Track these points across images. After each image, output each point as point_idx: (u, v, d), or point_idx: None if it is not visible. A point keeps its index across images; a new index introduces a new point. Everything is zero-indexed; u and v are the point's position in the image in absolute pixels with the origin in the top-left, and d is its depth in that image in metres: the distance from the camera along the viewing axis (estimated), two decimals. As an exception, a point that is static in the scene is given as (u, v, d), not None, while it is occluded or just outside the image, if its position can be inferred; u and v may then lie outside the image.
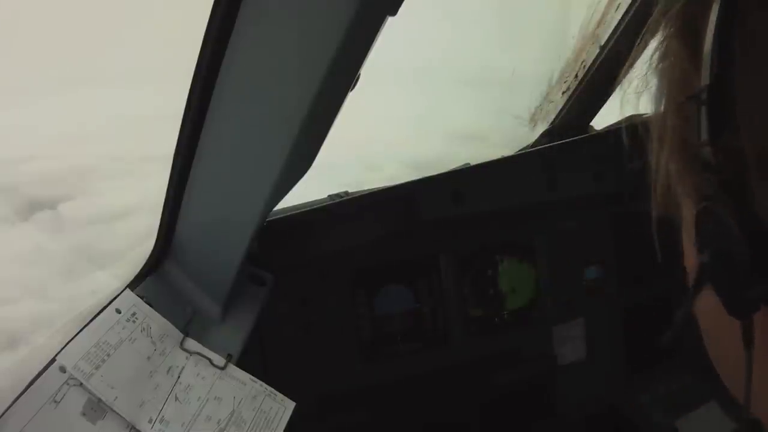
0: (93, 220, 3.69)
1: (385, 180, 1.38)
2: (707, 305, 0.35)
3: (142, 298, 0.99)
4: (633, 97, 0.40)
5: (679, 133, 0.34)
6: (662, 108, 0.36)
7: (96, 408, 0.87)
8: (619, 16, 1.40)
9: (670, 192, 0.37)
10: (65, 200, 3.89)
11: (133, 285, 1.03)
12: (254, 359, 1.15)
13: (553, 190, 1.44)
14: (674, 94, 0.35)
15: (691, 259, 0.37)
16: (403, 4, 0.64)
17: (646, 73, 0.38)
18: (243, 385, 1.02)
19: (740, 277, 0.30)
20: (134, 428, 0.89)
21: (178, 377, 0.97)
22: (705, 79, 0.30)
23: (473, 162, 1.46)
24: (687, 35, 0.33)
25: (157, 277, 1.07)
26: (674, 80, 0.35)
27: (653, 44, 0.36)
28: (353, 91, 0.79)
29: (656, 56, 0.36)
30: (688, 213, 0.36)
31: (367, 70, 0.76)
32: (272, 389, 1.04)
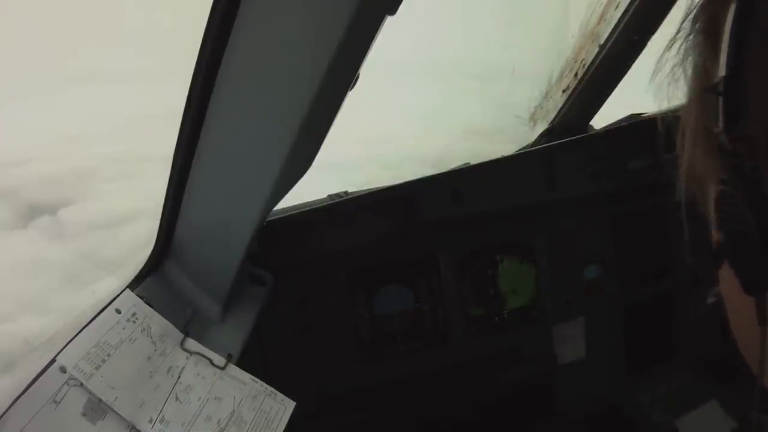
0: (94, 225, 3.57)
1: (401, 179, 1.38)
2: (729, 280, 0.37)
3: (142, 298, 0.99)
4: (666, 88, 0.43)
5: (701, 121, 0.37)
6: (688, 99, 0.39)
7: (96, 408, 0.87)
8: (618, 15, 1.40)
9: (695, 177, 0.39)
10: (65, 205, 3.77)
11: (133, 285, 1.03)
12: (254, 359, 1.15)
13: (552, 190, 1.44)
14: (697, 86, 0.38)
15: (714, 235, 0.39)
16: (407, 3, 0.64)
17: (672, 68, 0.40)
18: (243, 384, 1.02)
19: (752, 257, 0.33)
20: (134, 428, 0.89)
21: (179, 377, 0.97)
22: (722, 71, 0.32)
23: (474, 161, 1.46)
24: (709, 32, 0.36)
25: (157, 278, 1.07)
26: (697, 73, 0.38)
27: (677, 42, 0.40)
28: (353, 90, 0.79)
29: (681, 52, 0.39)
30: (711, 195, 0.38)
31: (379, 67, 0.76)
32: (272, 389, 1.04)
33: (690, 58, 0.39)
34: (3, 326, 2.78)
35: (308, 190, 1.32)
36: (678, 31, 0.39)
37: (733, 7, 0.32)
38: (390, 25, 0.68)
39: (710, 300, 0.40)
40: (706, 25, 0.36)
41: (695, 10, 0.37)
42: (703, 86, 0.36)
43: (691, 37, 0.38)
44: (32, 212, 3.72)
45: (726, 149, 0.33)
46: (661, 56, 0.41)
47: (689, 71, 0.39)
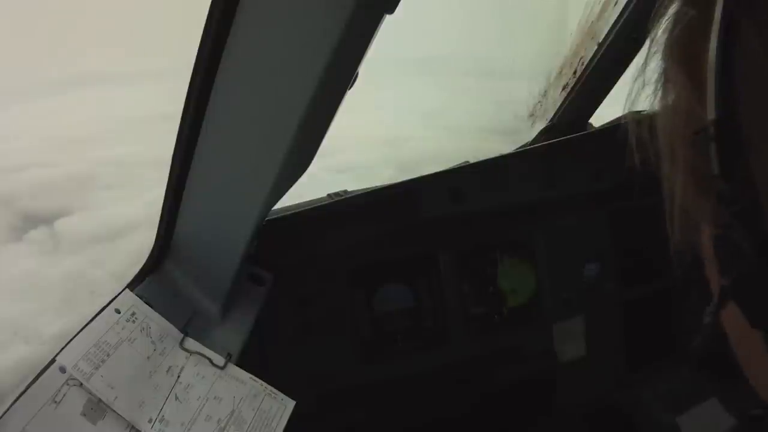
0: (93, 238, 3.36)
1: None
2: (732, 314, 0.36)
3: (141, 298, 0.98)
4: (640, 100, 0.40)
5: (690, 163, 0.34)
6: (670, 135, 0.36)
7: (96, 408, 0.87)
8: (617, 13, 1.40)
9: (687, 215, 0.37)
10: (63, 215, 3.57)
11: (132, 285, 1.03)
12: (254, 358, 1.15)
13: (552, 188, 1.44)
14: (681, 126, 0.34)
15: (713, 275, 0.38)
16: (413, 3, 0.64)
17: (648, 97, 0.37)
18: (243, 384, 1.02)
19: (759, 296, 0.31)
20: (134, 428, 0.89)
21: (178, 377, 0.97)
22: (711, 113, 0.30)
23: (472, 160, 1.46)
24: (687, 64, 0.33)
25: (157, 277, 1.07)
26: (680, 112, 0.34)
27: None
28: (352, 89, 0.79)
29: (660, 84, 0.36)
30: (705, 236, 0.36)
31: (389, 68, 0.76)
32: (272, 388, 1.04)
33: (668, 96, 0.35)
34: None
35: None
36: (645, 63, 0.36)
37: (713, 38, 0.29)
38: (400, 25, 0.68)
39: (707, 320, 0.39)
40: (683, 57, 0.33)
41: (666, 42, 0.34)
42: (689, 128, 0.33)
43: (667, 71, 0.35)
44: (27, 224, 3.53)
45: (722, 195, 0.31)
46: (633, 84, 0.38)
47: (669, 110, 0.35)
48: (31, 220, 3.63)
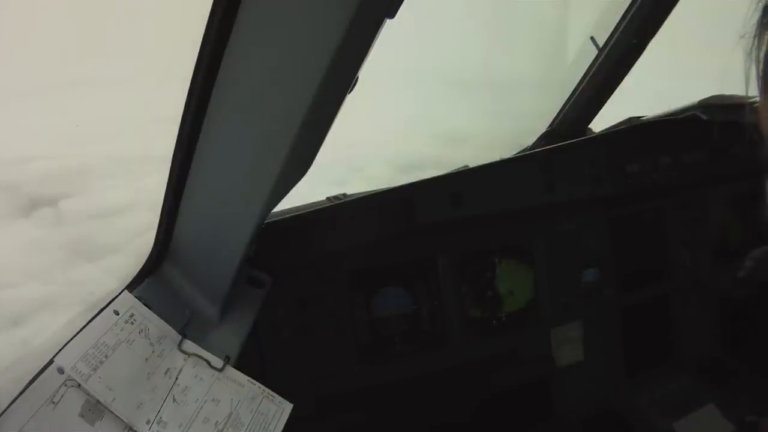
0: (92, 216, 3.79)
1: (366, 179, 1.39)
2: None
3: (140, 299, 0.98)
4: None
5: None
6: None
7: (94, 409, 0.87)
8: (617, 19, 1.41)
9: None
10: (65, 197, 3.99)
11: (131, 287, 1.03)
12: (252, 361, 1.15)
13: (551, 193, 1.44)
14: None
15: None
16: (417, 14, 0.64)
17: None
18: (241, 386, 1.02)
19: None
20: (132, 430, 0.89)
21: (176, 379, 0.97)
22: None
23: (471, 164, 1.46)
24: None
25: (156, 279, 1.07)
26: None
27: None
28: (351, 93, 0.80)
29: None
30: None
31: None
32: (270, 391, 1.04)
33: None
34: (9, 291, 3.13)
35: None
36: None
37: None
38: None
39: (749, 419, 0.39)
40: None
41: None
42: None
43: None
44: (34, 204, 3.95)
45: None
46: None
47: None
48: (37, 202, 4.05)
